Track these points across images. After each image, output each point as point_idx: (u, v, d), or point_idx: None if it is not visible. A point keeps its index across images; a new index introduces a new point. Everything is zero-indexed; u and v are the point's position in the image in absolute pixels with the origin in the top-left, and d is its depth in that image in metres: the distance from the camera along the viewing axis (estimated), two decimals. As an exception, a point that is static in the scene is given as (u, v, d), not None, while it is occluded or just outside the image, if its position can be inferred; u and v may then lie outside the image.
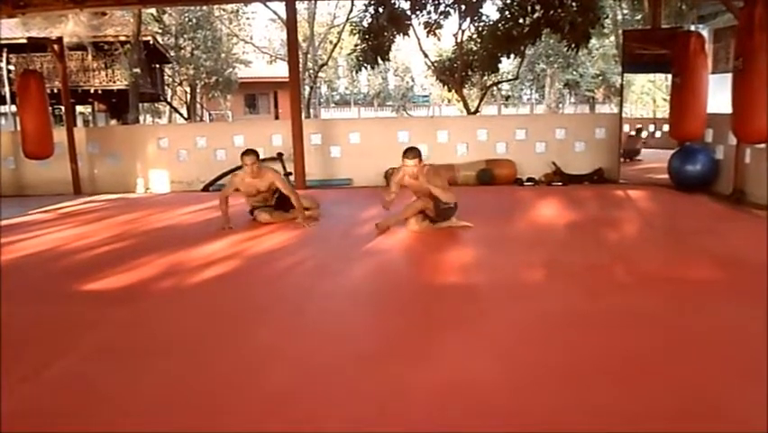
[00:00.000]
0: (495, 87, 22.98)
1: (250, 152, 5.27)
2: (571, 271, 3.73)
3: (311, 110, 24.08)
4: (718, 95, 7.25)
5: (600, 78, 29.10)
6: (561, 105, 30.28)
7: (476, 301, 3.25)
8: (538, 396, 2.13)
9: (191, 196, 8.00)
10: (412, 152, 4.78)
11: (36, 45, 14.96)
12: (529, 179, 8.26)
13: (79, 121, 23.52)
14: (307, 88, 22.55)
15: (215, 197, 6.41)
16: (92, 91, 19.78)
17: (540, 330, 2.76)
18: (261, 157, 8.41)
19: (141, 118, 23.63)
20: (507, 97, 33.31)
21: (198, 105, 25.69)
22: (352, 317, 3.07)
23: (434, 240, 4.73)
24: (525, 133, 8.59)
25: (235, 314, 3.14)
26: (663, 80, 25.19)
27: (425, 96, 36.87)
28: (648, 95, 28.74)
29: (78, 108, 22.51)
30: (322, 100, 35.16)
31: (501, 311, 3.06)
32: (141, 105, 22.19)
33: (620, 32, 14.27)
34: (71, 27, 16.37)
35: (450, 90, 17.22)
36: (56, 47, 8.69)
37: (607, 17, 14.98)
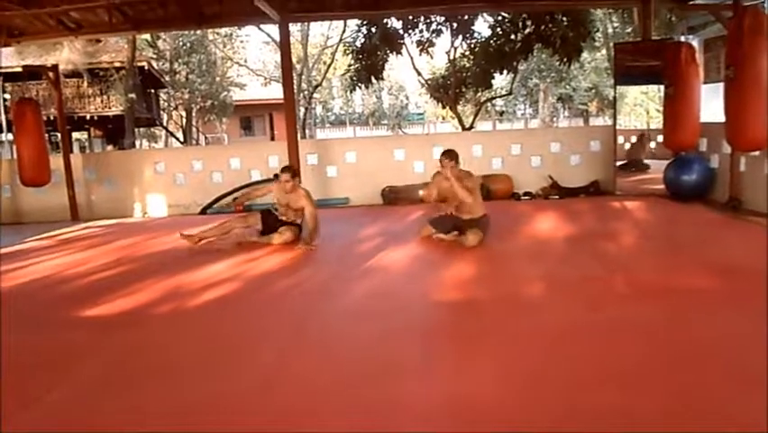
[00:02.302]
0: (489, 103, 23.19)
1: (287, 168, 5.50)
2: (570, 284, 3.74)
3: (306, 131, 24.26)
4: (711, 104, 7.32)
5: (593, 90, 29.33)
6: (555, 119, 30.50)
7: (478, 316, 3.26)
8: (540, 409, 2.13)
9: (189, 219, 8.00)
10: (449, 154, 4.89)
11: (32, 73, 15.01)
12: (526, 194, 8.29)
13: (76, 147, 23.57)
14: (302, 109, 22.72)
15: (213, 219, 6.43)
16: (88, 117, 19.94)
17: (541, 344, 2.77)
18: (258, 178, 8.54)
19: (138, 143, 23.69)
20: (502, 113, 33.54)
21: (194, 129, 25.84)
22: (355, 337, 3.06)
23: (432, 256, 4.74)
24: (521, 148, 8.64)
25: (237, 336, 3.13)
26: (656, 91, 25.39)
27: (420, 114, 37.17)
28: (641, 106, 28.96)
29: (75, 135, 22.56)
30: (317, 120, 35.35)
31: (503, 326, 3.06)
32: (137, 130, 22.30)
33: (611, 44, 14.43)
34: (66, 54, 16.54)
35: (444, 107, 17.39)
36: (51, 74, 8.75)
37: (597, 31, 15.17)
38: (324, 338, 3.05)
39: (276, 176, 5.47)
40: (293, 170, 5.48)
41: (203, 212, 8.58)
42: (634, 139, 12.26)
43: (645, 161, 11.30)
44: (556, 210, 6.82)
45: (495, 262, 4.50)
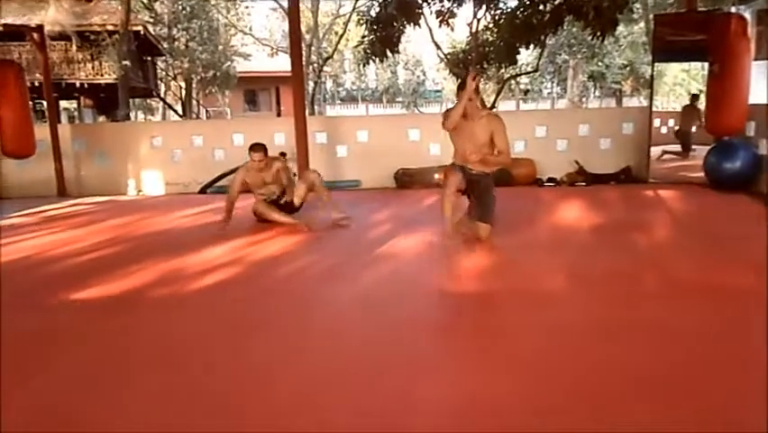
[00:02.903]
0: (513, 81, 23.01)
1: (258, 147, 5.46)
2: (595, 280, 3.72)
3: (315, 107, 24.21)
4: (762, 83, 7.16)
5: (628, 68, 29.02)
6: (584, 99, 30.22)
7: (493, 311, 3.26)
8: (555, 412, 2.12)
9: (188, 198, 8.06)
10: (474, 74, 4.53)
11: (13, 33, 14.79)
12: (550, 180, 8.24)
13: (64, 117, 23.71)
14: (311, 83, 22.66)
15: (214, 199, 6.45)
16: (77, 85, 19.81)
17: (560, 342, 2.75)
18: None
19: (132, 115, 23.81)
20: (526, 92, 33.32)
21: (194, 102, 25.90)
22: (361, 327, 3.06)
23: (448, 244, 4.72)
24: (546, 130, 8.57)
25: (237, 325, 3.15)
26: (699, 69, 25.04)
27: (438, 91, 36.98)
28: (682, 86, 28.63)
29: (63, 104, 22.64)
30: (327, 96, 35.33)
31: (519, 322, 3.05)
32: (131, 100, 22.34)
33: (651, 16, 14.21)
34: (52, 14, 16.36)
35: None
36: (36, 35, 8.71)
37: (636, 1, 14.93)
38: (329, 329, 3.05)
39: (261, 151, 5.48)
40: (264, 146, 5.53)
41: (202, 191, 8.61)
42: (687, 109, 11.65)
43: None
44: (582, 198, 6.77)
45: (514, 252, 4.49)
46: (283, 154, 8.57)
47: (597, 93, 31.80)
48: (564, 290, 3.58)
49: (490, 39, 12.96)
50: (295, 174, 8.13)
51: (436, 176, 7.92)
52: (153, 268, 4.26)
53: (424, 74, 37.54)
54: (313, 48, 23.25)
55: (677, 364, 2.49)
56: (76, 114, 23.73)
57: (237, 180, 5.57)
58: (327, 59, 24.47)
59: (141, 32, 20.02)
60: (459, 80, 4.52)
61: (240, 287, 3.84)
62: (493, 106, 14.69)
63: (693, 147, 10.94)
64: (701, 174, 7.33)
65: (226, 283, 3.88)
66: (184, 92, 24.78)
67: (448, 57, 14.92)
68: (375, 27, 12.33)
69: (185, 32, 22.33)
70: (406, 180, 8.28)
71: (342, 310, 3.33)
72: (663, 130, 14.21)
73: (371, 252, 4.57)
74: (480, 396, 2.26)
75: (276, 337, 2.94)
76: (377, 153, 8.66)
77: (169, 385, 2.45)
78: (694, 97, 11.99)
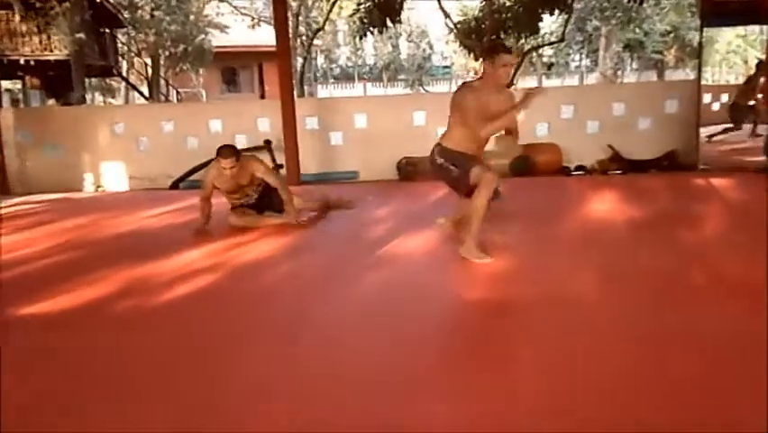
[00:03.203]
0: (534, 53, 22.95)
1: (227, 151, 5.21)
2: (631, 281, 3.72)
3: (305, 87, 24.17)
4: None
5: (672, 35, 28.95)
6: (619, 73, 30.17)
7: (515, 320, 3.26)
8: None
9: (156, 195, 8.06)
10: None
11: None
12: (579, 168, 8.27)
13: (6, 100, 23.59)
14: (300, 60, 22.64)
15: (188, 196, 6.43)
16: (21, 62, 19.60)
17: (592, 353, 2.74)
18: (245, 146, 8.52)
19: (89, 97, 23.75)
20: (550, 65, 33.26)
21: (163, 82, 25.82)
22: (362, 343, 3.04)
23: (458, 244, 4.69)
24: (574, 110, 8.59)
25: (214, 343, 3.11)
26: (758, 34, 24.92)
27: (447, 67, 36.97)
28: (737, 53, 28.52)
29: (4, 84, 22.52)
30: (318, 75, 35.30)
31: (546, 331, 3.04)
32: (87, 80, 22.26)
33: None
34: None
35: (477, 58, 17.18)
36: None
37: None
38: (323, 345, 3.03)
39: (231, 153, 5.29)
40: (234, 149, 5.30)
41: (174, 186, 8.62)
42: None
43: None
44: (617, 189, 6.78)
45: (537, 251, 4.49)
46: (268, 143, 8.60)
47: (634, 65, 31.76)
48: (598, 292, 3.58)
49: (508, 4, 12.92)
50: (281, 165, 8.14)
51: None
52: (115, 277, 4.22)
53: (430, 47, 37.50)
54: (301, 18, 23.23)
55: (728, 374, 2.49)
56: (20, 96, 23.63)
57: (207, 185, 5.45)
58: (318, 30, 24.37)
59: (98, 0, 19.95)
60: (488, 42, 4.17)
61: (218, 298, 3.81)
62: (511, 84, 14.66)
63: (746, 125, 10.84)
64: (762, 158, 7.29)
65: (202, 294, 3.86)
66: (150, 70, 24.71)
67: (458, 26, 14.89)
68: (373, -8, 12.31)
69: (150, 1, 22.27)
70: (411, 171, 8.28)
71: (341, 324, 3.31)
72: (715, 106, 14.14)
73: (372, 253, 4.57)
74: (498, 412, 2.25)
75: (261, 361, 2.89)
76: (377, 140, 8.67)
77: (121, 425, 2.37)
78: (760, 66, 10.83)
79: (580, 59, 34.35)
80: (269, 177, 5.52)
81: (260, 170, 5.46)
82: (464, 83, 4.48)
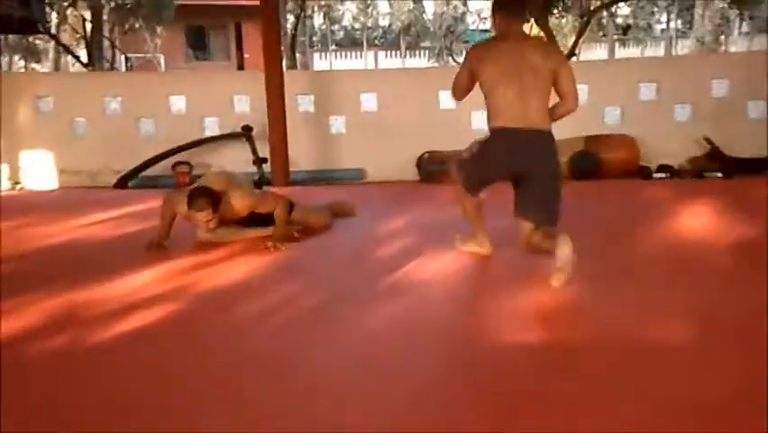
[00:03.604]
0: (604, 12, 22.75)
1: (201, 201, 4.95)
2: (734, 329, 3.58)
3: (298, 55, 24.20)
4: None
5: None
6: (723, 39, 29.91)
7: (570, 373, 3.10)
8: None
9: (97, 196, 8.05)
10: None
11: None
12: (663, 168, 8.22)
13: None
14: (291, 19, 22.60)
15: (139, 197, 6.32)
16: None
17: (675, 423, 2.58)
18: (218, 133, 8.41)
19: (5, 62, 23.66)
20: (627, 28, 33.09)
21: (107, 44, 25.41)
22: (369, 402, 2.90)
23: (498, 269, 4.70)
24: (656, 90, 8.57)
25: (171, 400, 2.97)
26: None
27: (485, 31, 36.88)
28: None
29: None
30: (316, 39, 35.45)
31: (611, 392, 2.89)
32: (1, 38, 22.18)
33: None
34: None
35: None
36: None
37: None
38: (317, 402, 2.89)
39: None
40: (211, 196, 5.01)
41: (121, 184, 8.55)
42: None
43: None
44: (716, 198, 6.73)
45: (604, 281, 4.39)
46: (247, 129, 8.52)
47: (744, 27, 31.32)
48: (688, 342, 3.44)
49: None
50: (264, 159, 8.01)
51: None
52: (38, 305, 4.13)
53: (464, 3, 37.41)
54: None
55: None
56: None
57: (167, 212, 5.27)
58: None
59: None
60: None
61: (177, 336, 3.72)
62: (572, 54, 14.52)
63: None
64: None
65: (156, 330, 3.76)
66: (89, 27, 23.42)
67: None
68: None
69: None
70: (435, 170, 8.18)
71: (336, 381, 3.15)
72: None
73: (380, 280, 4.53)
74: None
75: (232, 426, 2.74)
76: (391, 129, 8.63)
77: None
78: None
79: (668, 20, 33.97)
80: (274, 204, 5.37)
81: (263, 201, 5.42)
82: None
